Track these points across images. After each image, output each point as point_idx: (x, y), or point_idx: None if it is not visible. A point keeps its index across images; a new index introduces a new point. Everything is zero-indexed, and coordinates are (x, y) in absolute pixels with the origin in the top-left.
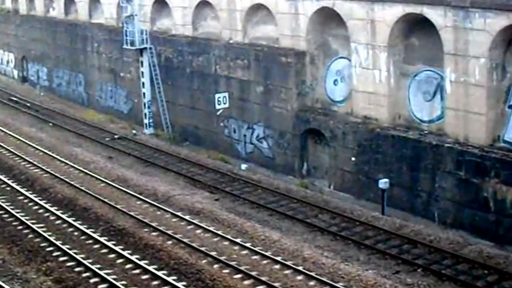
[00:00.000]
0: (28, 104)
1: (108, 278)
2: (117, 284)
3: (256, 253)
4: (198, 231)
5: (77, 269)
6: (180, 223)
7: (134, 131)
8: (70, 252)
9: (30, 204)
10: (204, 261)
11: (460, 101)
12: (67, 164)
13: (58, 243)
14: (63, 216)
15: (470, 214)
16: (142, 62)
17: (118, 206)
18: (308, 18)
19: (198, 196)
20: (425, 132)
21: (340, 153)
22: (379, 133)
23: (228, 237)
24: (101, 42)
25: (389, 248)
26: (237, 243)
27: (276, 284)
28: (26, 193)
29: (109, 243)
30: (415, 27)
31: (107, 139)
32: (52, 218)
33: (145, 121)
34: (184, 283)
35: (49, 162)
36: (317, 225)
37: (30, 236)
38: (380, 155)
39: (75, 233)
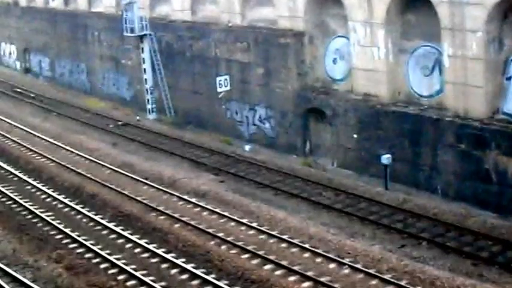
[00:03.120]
0: (32, 95)
1: (118, 262)
2: (127, 268)
3: (263, 232)
4: (205, 213)
5: (87, 255)
6: (186, 206)
7: (137, 117)
8: (79, 239)
9: (38, 193)
10: (211, 242)
11: (459, 74)
12: (72, 152)
13: (67, 230)
14: (71, 203)
15: (472, 186)
16: (142, 48)
17: (125, 192)
18: None
19: (203, 178)
20: (425, 107)
21: (341, 130)
22: (379, 109)
23: (235, 217)
24: (101, 30)
25: (393, 223)
26: (243, 224)
27: (283, 262)
28: (33, 182)
29: (117, 229)
30: (412, 3)
31: (110, 126)
32: (60, 206)
33: (148, 107)
34: (193, 265)
35: (55, 151)
36: (322, 202)
37: (40, 224)
38: (381, 131)
39: (84, 220)
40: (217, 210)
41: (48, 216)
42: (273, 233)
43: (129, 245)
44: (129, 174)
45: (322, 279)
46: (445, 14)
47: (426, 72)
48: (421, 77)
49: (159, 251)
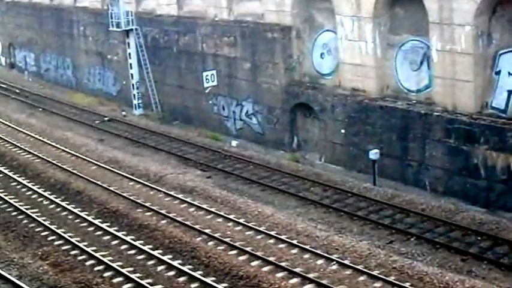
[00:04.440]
0: (17, 91)
1: (104, 259)
2: (113, 265)
3: (250, 228)
4: (192, 209)
5: (72, 252)
6: (173, 202)
7: (124, 113)
8: (65, 235)
9: (23, 189)
10: (198, 238)
11: (447, 69)
12: (58, 148)
13: (53, 227)
14: (57, 200)
15: (461, 181)
16: (129, 43)
17: (111, 188)
18: None
19: (190, 174)
20: (414, 101)
21: (329, 125)
22: (367, 104)
23: (222, 214)
24: (86, 25)
25: (382, 218)
26: (230, 220)
27: (270, 258)
28: (19, 179)
29: (103, 225)
30: None
31: (97, 122)
32: (46, 202)
33: (135, 102)
34: (179, 261)
35: (40, 147)
36: (309, 198)
37: (25, 221)
38: (369, 126)
39: (70, 217)
40: (204, 206)
41: (33, 213)
42: (261, 229)
43: (115, 242)
44: (116, 170)
45: (310, 276)
46: (433, 8)
47: (414, 67)
48: (410, 71)
49: (146, 248)
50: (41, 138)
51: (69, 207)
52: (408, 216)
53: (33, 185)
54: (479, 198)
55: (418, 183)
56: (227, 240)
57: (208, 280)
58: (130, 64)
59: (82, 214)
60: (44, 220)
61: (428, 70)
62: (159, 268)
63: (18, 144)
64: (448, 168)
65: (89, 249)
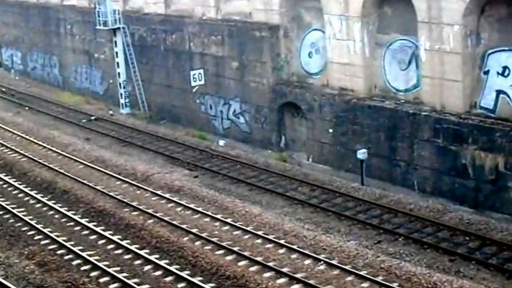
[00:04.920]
0: (3, 89)
1: (91, 259)
2: (100, 264)
3: (238, 228)
4: (179, 208)
5: (59, 252)
6: (160, 201)
7: (111, 112)
8: (51, 235)
9: (9, 189)
10: (185, 238)
11: (436, 68)
12: (45, 147)
13: (39, 226)
14: (43, 199)
15: (449, 181)
16: (116, 42)
17: (97, 187)
18: None
19: (177, 174)
20: (402, 101)
21: (317, 125)
22: (355, 104)
23: (209, 213)
24: (73, 24)
25: (369, 218)
26: (217, 219)
27: (258, 258)
28: (5, 178)
29: (90, 225)
30: None
31: (83, 121)
32: (32, 201)
33: (122, 101)
34: (166, 261)
35: (27, 146)
36: (297, 198)
37: (11, 220)
38: (357, 125)
39: (56, 216)
40: (191, 205)
41: (20, 212)
42: (248, 228)
43: (102, 241)
44: (102, 170)
45: (298, 276)
46: (422, 7)
47: (403, 66)
48: (398, 71)
49: (133, 247)
50: (27, 137)
51: (55, 206)
52: (396, 216)
53: (19, 184)
54: (467, 198)
55: (406, 183)
56: (214, 239)
57: (195, 280)
58: (118, 63)
59: (69, 213)
60: (30, 219)
61: (417, 70)
62: (146, 268)
63: (5, 143)
64: (436, 168)
65: (75, 249)
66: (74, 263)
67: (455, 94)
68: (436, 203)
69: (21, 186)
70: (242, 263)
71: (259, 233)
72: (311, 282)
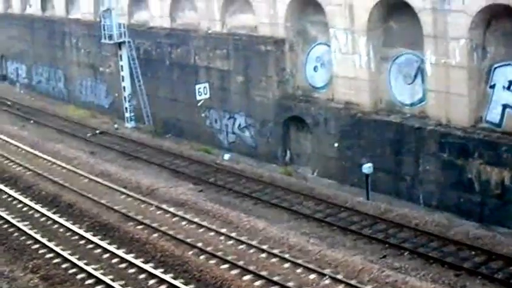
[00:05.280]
0: (8, 103)
1: (95, 273)
2: (104, 278)
3: (242, 243)
4: (183, 223)
5: (63, 266)
6: (165, 215)
7: (116, 125)
8: (56, 249)
9: (14, 202)
10: (190, 252)
11: (441, 83)
12: (50, 161)
13: (44, 240)
14: (48, 213)
15: (455, 196)
16: (121, 55)
17: (102, 201)
18: (286, 5)
19: (182, 188)
20: (408, 115)
21: (322, 139)
22: (361, 118)
23: (214, 227)
24: (79, 37)
25: (375, 233)
26: (222, 234)
27: (262, 273)
28: (10, 191)
29: (95, 239)
30: (394, 11)
31: (88, 134)
32: (37, 215)
33: (127, 115)
34: (171, 275)
35: (32, 159)
36: (302, 212)
37: (16, 234)
38: (363, 139)
39: (61, 230)
40: (196, 220)
41: (24, 225)
42: (253, 243)
43: (106, 255)
44: (107, 184)
45: None
46: (427, 21)
47: (408, 81)
48: (403, 85)
49: (137, 261)
50: (32, 150)
51: (60, 220)
52: (402, 231)
53: (24, 197)
54: (473, 212)
55: (411, 197)
56: (219, 254)
57: None
58: (123, 77)
59: (73, 227)
60: (35, 233)
61: (423, 84)
62: (151, 282)
63: (10, 157)
64: (442, 183)
65: (80, 263)
66: (79, 276)
67: (461, 108)
68: (442, 217)
69: (26, 200)
70: (247, 277)
71: (264, 247)
72: None
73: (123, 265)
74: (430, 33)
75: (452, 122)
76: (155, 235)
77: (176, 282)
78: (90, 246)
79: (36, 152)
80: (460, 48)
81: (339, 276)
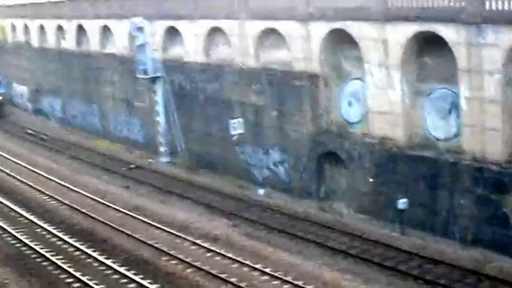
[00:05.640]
0: (43, 137)
1: None
2: None
3: (277, 278)
4: (217, 258)
5: None
6: (198, 250)
7: (150, 160)
8: (90, 283)
9: (48, 236)
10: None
11: (476, 117)
12: (84, 194)
13: (77, 274)
14: (82, 247)
15: (490, 231)
16: (155, 90)
17: (136, 236)
18: (320, 40)
19: (216, 223)
20: (442, 150)
21: (357, 174)
22: (395, 153)
23: (248, 263)
24: (113, 72)
25: (410, 269)
26: (256, 269)
27: None
28: (44, 225)
29: (129, 273)
30: (428, 45)
31: (123, 169)
32: (71, 249)
33: (161, 149)
34: None
35: (66, 193)
36: (337, 248)
37: (50, 268)
38: (397, 174)
39: (94, 264)
40: (230, 255)
41: (58, 259)
42: (287, 278)
43: None
44: (141, 218)
45: None
46: (462, 55)
47: (443, 115)
48: (438, 119)
49: None
50: (66, 184)
51: (94, 254)
52: (437, 267)
53: (58, 231)
54: (509, 248)
55: (446, 232)
56: None
57: None
58: (157, 111)
59: (107, 261)
60: (68, 267)
61: (457, 118)
62: None
63: (44, 191)
64: (476, 218)
65: None
66: None
67: (496, 143)
68: (477, 252)
69: (60, 234)
70: None
71: (299, 283)
72: None
73: None
74: (465, 67)
75: (487, 156)
76: (189, 270)
77: None
78: (124, 280)
79: (71, 186)
80: (495, 83)
81: None
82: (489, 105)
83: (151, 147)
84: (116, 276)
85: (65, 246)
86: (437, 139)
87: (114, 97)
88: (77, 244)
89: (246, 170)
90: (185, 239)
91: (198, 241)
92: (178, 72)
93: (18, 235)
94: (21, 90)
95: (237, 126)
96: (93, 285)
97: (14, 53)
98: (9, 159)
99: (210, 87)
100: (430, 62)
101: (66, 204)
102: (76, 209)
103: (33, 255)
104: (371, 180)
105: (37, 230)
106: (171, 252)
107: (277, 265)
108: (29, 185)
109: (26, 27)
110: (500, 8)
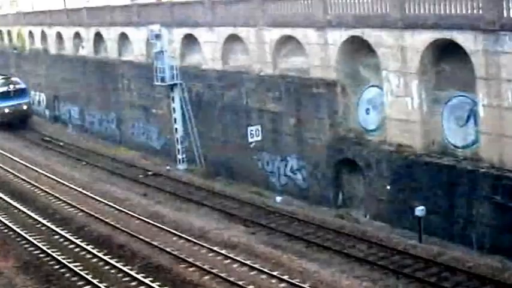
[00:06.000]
0: (61, 144)
1: None
2: None
3: (294, 285)
4: (235, 265)
5: None
6: (216, 258)
7: (168, 167)
8: None
9: (65, 243)
10: None
11: (494, 125)
12: (101, 201)
13: (95, 281)
14: (100, 254)
15: (508, 239)
16: (173, 97)
17: (154, 243)
18: (338, 47)
19: (234, 230)
20: (460, 157)
21: (375, 182)
22: (413, 160)
23: (265, 270)
24: (131, 79)
25: (428, 276)
26: (274, 276)
27: None
28: (62, 232)
29: (146, 280)
30: (446, 53)
31: (140, 176)
32: (88, 256)
33: (179, 156)
34: None
35: (83, 200)
36: (354, 255)
37: (67, 275)
38: (415, 182)
39: (112, 271)
40: (247, 262)
41: (76, 266)
42: (305, 286)
43: None
44: (159, 225)
45: None
46: (480, 63)
47: (461, 123)
48: (456, 127)
49: None
50: (84, 191)
51: (111, 261)
52: (455, 274)
53: (76, 238)
54: None
55: (464, 240)
56: None
57: None
58: (175, 118)
59: (125, 268)
60: (86, 274)
61: (475, 126)
62: None
63: (62, 197)
64: (495, 225)
65: None
66: None
67: None
68: (495, 260)
69: (77, 241)
70: None
71: None
72: None
73: None
74: (483, 75)
75: (505, 164)
76: (207, 277)
77: None
78: (142, 287)
79: (88, 193)
80: None
81: None
82: (507, 113)
83: (168, 154)
84: (133, 284)
85: (82, 253)
86: (455, 146)
87: (131, 104)
88: (94, 251)
89: (263, 177)
90: (202, 246)
91: (215, 248)
92: (196, 79)
93: (36, 242)
94: (39, 97)
95: (254, 134)
96: None
97: (31, 60)
98: (26, 165)
99: (228, 95)
100: (448, 70)
101: (83, 211)
102: (93, 216)
103: (51, 262)
104: (388, 187)
105: (55, 237)
106: (188, 259)
107: (294, 272)
108: (46, 192)
109: (43, 34)
110: None
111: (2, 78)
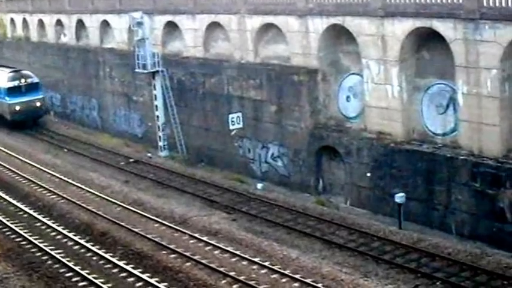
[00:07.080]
0: (43, 131)
1: None
2: None
3: (275, 272)
4: (216, 251)
5: None
6: (198, 244)
7: (149, 154)
8: (89, 277)
9: (47, 230)
10: (223, 281)
11: (473, 112)
12: (83, 189)
13: (77, 268)
14: (81, 241)
15: (487, 225)
16: (155, 85)
17: (135, 230)
18: (319, 35)
19: (215, 217)
20: (440, 145)
21: (355, 169)
22: (393, 148)
23: (247, 256)
24: (113, 66)
25: (407, 262)
26: (255, 263)
27: None
28: (43, 219)
29: (128, 267)
30: (426, 41)
31: (122, 163)
32: (70, 243)
33: (160, 144)
34: None
35: (65, 187)
36: (335, 241)
37: (49, 262)
38: (395, 169)
39: (94, 258)
40: (229, 249)
41: (58, 253)
42: (286, 272)
43: (139, 284)
44: (140, 212)
45: None
46: (459, 51)
47: (440, 110)
48: (436, 115)
49: None
50: (65, 178)
51: (93, 248)
52: (434, 260)
53: (57, 225)
54: (505, 242)
55: (444, 227)
56: (252, 283)
57: None
58: (156, 106)
59: (106, 255)
60: (68, 261)
61: (455, 113)
62: None
63: (43, 185)
64: (474, 212)
65: None
66: None
67: (493, 138)
68: (474, 247)
69: (59, 228)
70: None
71: (297, 276)
72: None
73: None
74: (462, 63)
75: (484, 151)
76: (188, 264)
77: None
78: (123, 274)
79: (70, 180)
80: (492, 78)
81: None
82: (486, 101)
83: (150, 141)
84: (115, 270)
85: (64, 240)
86: (435, 134)
87: (113, 91)
88: (76, 238)
89: (244, 164)
90: (184, 232)
91: (196, 235)
92: (177, 67)
93: (17, 229)
94: None
95: (235, 121)
96: (92, 279)
97: (13, 48)
98: (7, 153)
99: (209, 82)
100: (427, 58)
101: (65, 198)
102: (75, 203)
103: (33, 250)
104: (369, 174)
105: (37, 224)
106: (169, 246)
107: (275, 258)
108: (28, 179)
109: (25, 21)
110: (497, 4)
111: (12, 72)
